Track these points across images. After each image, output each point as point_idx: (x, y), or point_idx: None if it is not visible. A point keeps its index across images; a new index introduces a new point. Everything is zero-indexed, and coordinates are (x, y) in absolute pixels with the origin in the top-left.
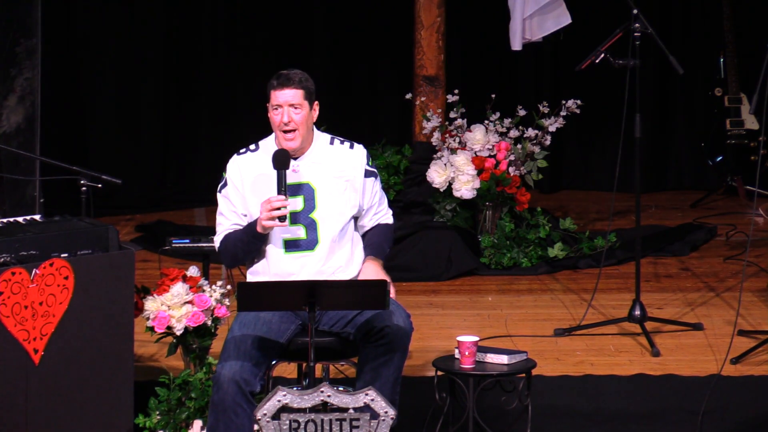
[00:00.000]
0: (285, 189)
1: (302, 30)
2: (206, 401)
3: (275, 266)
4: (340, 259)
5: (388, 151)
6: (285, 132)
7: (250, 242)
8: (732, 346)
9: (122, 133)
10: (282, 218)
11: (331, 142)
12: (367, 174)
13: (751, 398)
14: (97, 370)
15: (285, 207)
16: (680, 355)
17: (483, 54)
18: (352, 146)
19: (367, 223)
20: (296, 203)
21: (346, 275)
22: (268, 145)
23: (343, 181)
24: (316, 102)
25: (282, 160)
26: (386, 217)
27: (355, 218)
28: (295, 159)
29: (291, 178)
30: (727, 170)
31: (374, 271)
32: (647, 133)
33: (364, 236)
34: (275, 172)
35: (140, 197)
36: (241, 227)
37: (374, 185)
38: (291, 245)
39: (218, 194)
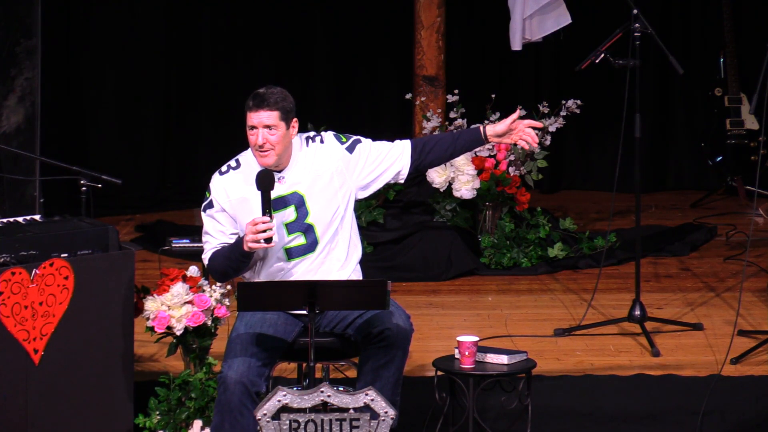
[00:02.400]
0: (270, 210)
1: (302, 30)
2: (206, 401)
3: (279, 274)
4: (340, 253)
5: None
6: (260, 151)
7: (239, 260)
8: (732, 346)
9: (122, 133)
10: (268, 240)
11: (307, 144)
12: (350, 149)
13: (751, 398)
14: (97, 370)
15: (270, 229)
16: (680, 355)
17: (483, 54)
18: (322, 140)
19: (404, 163)
20: (289, 214)
21: (347, 269)
22: (249, 160)
23: (327, 174)
24: (295, 119)
25: (266, 181)
26: (404, 142)
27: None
28: (280, 171)
29: (279, 189)
30: (727, 170)
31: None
32: (647, 133)
33: (427, 159)
34: (257, 191)
35: (140, 197)
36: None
37: (364, 147)
38: (293, 253)
39: (203, 213)
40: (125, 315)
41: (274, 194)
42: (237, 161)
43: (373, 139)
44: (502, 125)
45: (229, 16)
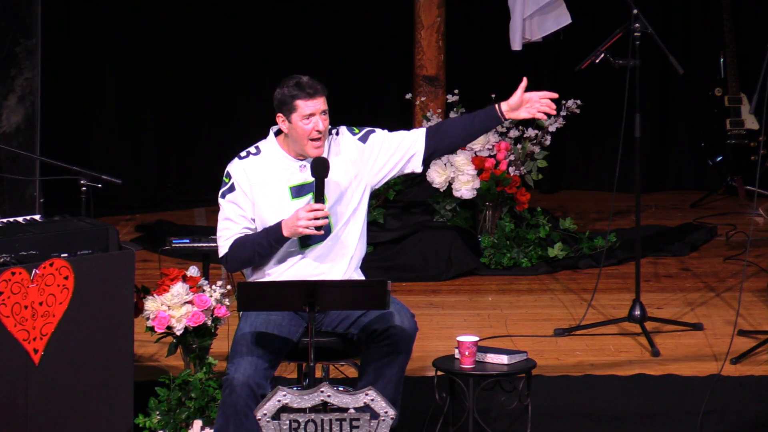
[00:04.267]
0: (324, 198)
1: (302, 30)
2: (206, 401)
3: (288, 263)
4: (350, 244)
5: None
6: (316, 140)
7: (271, 246)
8: (732, 346)
9: (122, 133)
10: (319, 227)
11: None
12: (363, 139)
13: (751, 398)
14: (97, 370)
15: (326, 216)
16: (680, 355)
17: (483, 54)
18: (338, 132)
19: (418, 147)
20: (307, 201)
21: (355, 262)
22: (269, 149)
23: (343, 163)
24: None
25: (323, 168)
26: (419, 129)
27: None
28: (304, 159)
29: (299, 177)
30: (727, 170)
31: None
32: (647, 133)
33: (444, 143)
34: (279, 176)
35: (140, 197)
36: (251, 231)
37: (378, 136)
38: (306, 241)
39: (222, 199)
40: (125, 315)
41: (296, 181)
42: (257, 148)
43: (390, 130)
44: (515, 97)
45: (229, 16)
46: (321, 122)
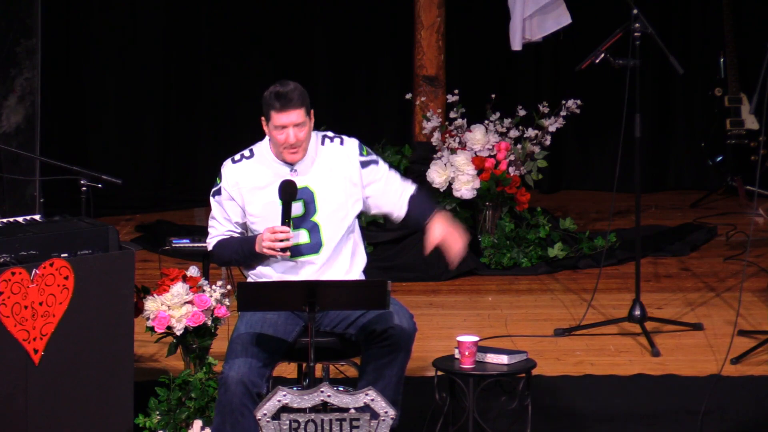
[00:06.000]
0: (290, 220)
1: (302, 30)
2: (206, 401)
3: (281, 272)
4: (344, 262)
5: (388, 151)
6: (290, 149)
7: (247, 257)
8: (732, 346)
9: (122, 133)
10: (284, 249)
11: (323, 142)
12: (364, 164)
13: (751, 398)
14: (97, 370)
15: (288, 239)
16: (680, 355)
17: (483, 54)
18: (342, 142)
19: (397, 208)
20: (297, 208)
21: (351, 277)
22: (263, 151)
23: (341, 179)
24: (312, 110)
25: (289, 191)
26: (409, 189)
27: (362, 214)
28: (293, 164)
29: None
30: (727, 170)
31: (445, 225)
32: (647, 133)
33: (405, 220)
34: (269, 181)
35: (140, 197)
36: (234, 233)
37: (376, 172)
38: (295, 250)
39: (212, 198)
40: (125, 315)
41: None
42: (251, 151)
43: (390, 166)
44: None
45: (229, 15)
46: (292, 135)
